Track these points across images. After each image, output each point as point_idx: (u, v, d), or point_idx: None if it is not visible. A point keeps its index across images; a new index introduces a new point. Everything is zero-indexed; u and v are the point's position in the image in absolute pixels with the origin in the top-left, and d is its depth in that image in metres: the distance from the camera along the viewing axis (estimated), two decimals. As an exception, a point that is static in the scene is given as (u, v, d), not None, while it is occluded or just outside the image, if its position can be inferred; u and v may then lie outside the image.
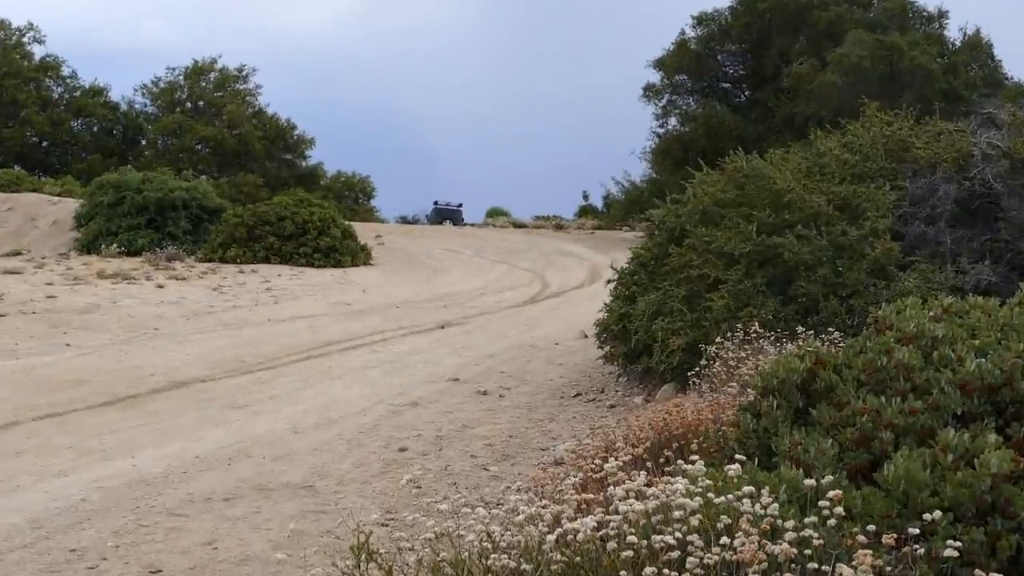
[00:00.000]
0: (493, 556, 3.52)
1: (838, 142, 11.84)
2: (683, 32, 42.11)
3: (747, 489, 3.36)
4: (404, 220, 60.83)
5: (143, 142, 55.02)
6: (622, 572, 3.17)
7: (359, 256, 30.57)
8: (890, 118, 12.09)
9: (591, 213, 56.70)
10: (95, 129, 54.77)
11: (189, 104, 55.46)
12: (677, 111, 42.71)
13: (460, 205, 55.74)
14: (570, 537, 3.44)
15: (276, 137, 56.29)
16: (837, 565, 3.03)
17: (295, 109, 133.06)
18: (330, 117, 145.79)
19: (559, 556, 3.40)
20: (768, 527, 3.19)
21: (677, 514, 3.33)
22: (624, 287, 11.77)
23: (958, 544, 3.18)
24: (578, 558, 3.40)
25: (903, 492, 3.52)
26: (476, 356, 14.23)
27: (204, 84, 55.33)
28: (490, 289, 25.11)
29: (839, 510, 3.24)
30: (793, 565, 3.08)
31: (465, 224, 53.10)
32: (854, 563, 3.00)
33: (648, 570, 3.12)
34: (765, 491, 3.37)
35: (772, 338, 8.11)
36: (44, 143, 53.90)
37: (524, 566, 3.44)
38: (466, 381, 12.13)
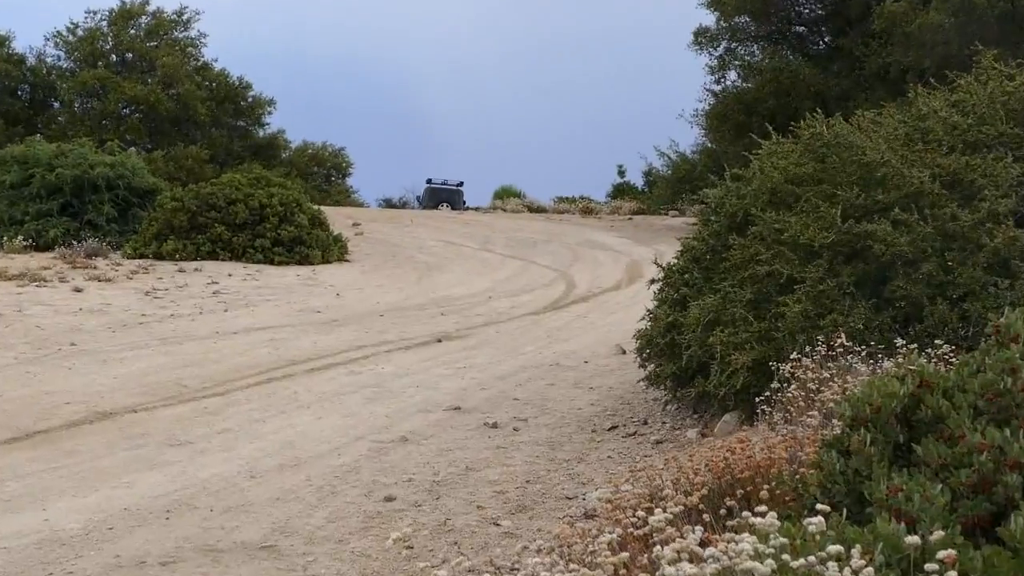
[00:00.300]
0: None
1: (945, 101, 11.80)
2: (745, -40, 42.13)
3: (833, 549, 3.34)
4: (389, 204, 61.00)
5: (56, 105, 55.26)
6: (673, 657, 3.16)
7: (331, 250, 30.66)
8: (1012, 70, 12.04)
9: (628, 193, 56.80)
10: (-6, 89, 55.11)
11: (114, 57, 55.67)
12: (738, 62, 42.72)
13: (460, 184, 55.90)
14: (606, 611, 3.43)
15: (225, 98, 56.50)
16: (951, 647, 3.01)
17: (250, 63, 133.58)
18: (294, 73, 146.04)
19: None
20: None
21: (743, 582, 3.31)
22: (672, 289, 11.75)
23: (1107, 619, 3.16)
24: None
25: (1035, 552, 3.50)
26: (483, 378, 14.24)
27: (133, 31, 55.51)
28: (500, 292, 25.13)
29: (953, 575, 3.22)
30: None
31: (467, 208, 53.22)
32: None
33: (707, 654, 3.11)
34: (856, 551, 3.36)
35: (863, 353, 8.09)
36: (-70, 108, 54.21)
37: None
38: (470, 410, 12.14)
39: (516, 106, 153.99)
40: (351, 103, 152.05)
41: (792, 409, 7.38)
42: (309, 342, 17.27)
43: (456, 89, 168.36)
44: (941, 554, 3.28)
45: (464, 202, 54.64)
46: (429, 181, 56.12)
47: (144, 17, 55.42)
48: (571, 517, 7.43)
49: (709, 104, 42.79)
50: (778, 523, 3.62)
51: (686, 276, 11.57)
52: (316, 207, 32.91)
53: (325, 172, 62.02)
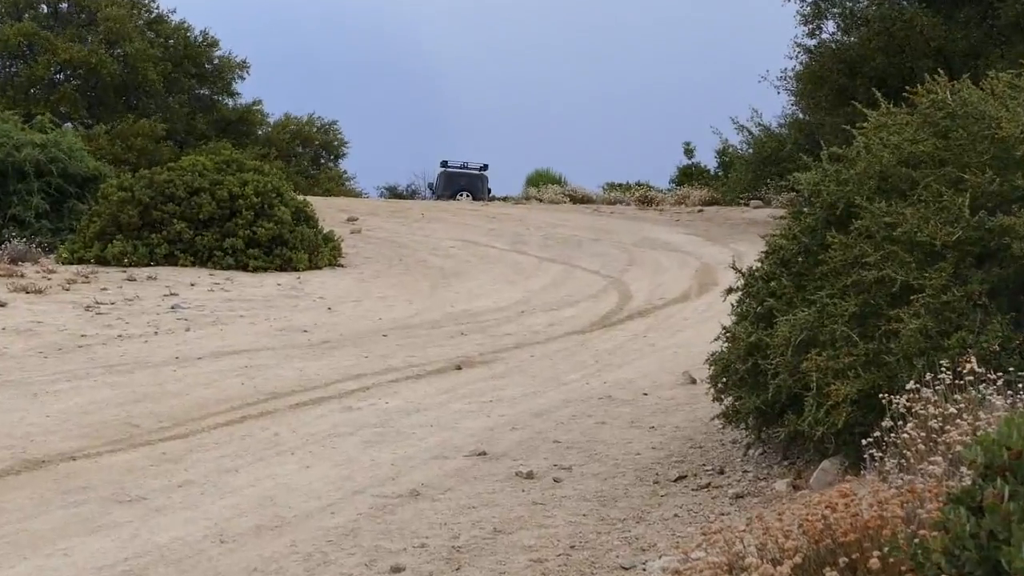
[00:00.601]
0: None
1: (1105, 58, 11.77)
2: None
3: (963, 634, 3.35)
4: (393, 193, 61.25)
5: (-30, 70, 55.66)
6: None
7: (321, 252, 30.78)
8: None
9: (698, 178, 56.85)
10: None
11: (45, 8, 55.99)
12: (837, 10, 42.59)
13: (484, 168, 56.08)
14: None
15: (184, 59, 56.74)
16: None
17: (216, 15, 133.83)
18: (273, 27, 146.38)
19: None
20: None
21: (848, 675, 3.33)
22: (755, 300, 11.73)
23: None
24: None
25: None
26: (514, 415, 14.26)
27: (69, -24, 55.86)
28: (535, 305, 25.16)
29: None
30: None
31: (492, 198, 53.34)
32: None
33: None
34: (992, 637, 3.37)
35: (1000, 382, 8.06)
36: None
37: None
38: (498, 456, 12.15)
39: (552, 67, 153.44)
40: (343, 66, 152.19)
41: (909, 454, 7.37)
42: (294, 370, 17.31)
43: (475, 46, 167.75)
44: (1100, 640, 3.29)
45: (489, 190, 54.77)
46: (444, 164, 56.25)
47: (82, -43, 55.76)
48: (628, 592, 7.44)
49: (801, 63, 42.66)
50: (892, 601, 3.63)
51: (772, 284, 11.55)
52: (301, 198, 33.05)
53: (312, 153, 62.29)
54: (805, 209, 11.74)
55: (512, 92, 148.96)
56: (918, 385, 8.24)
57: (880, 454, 7.92)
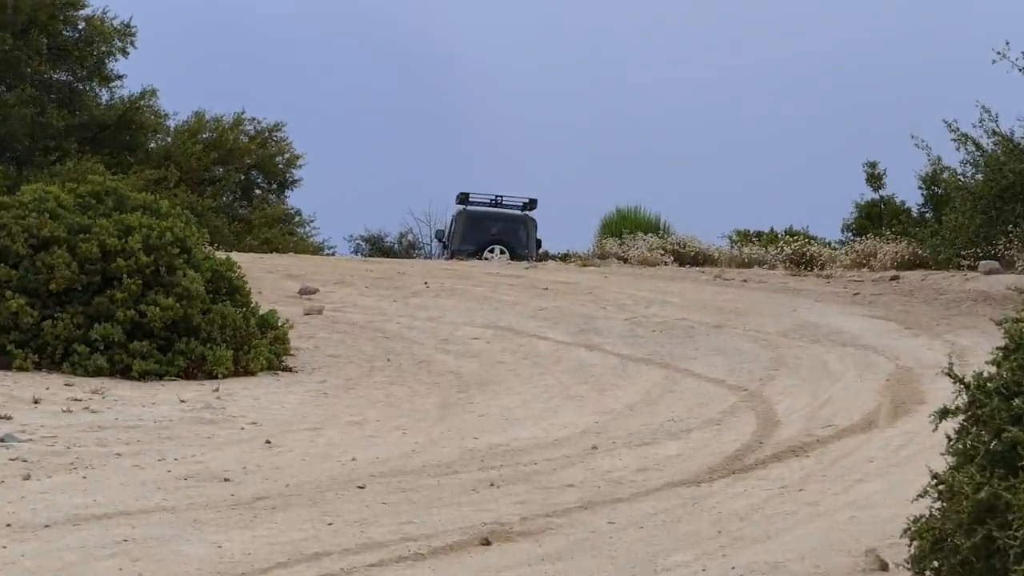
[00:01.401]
0: None
1: None
2: None
3: None
4: (377, 247, 61.63)
5: None
6: None
7: (256, 348, 30.75)
8: None
9: (890, 223, 56.88)
10: None
11: None
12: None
13: (528, 205, 56.07)
14: None
15: (31, 25, 57.13)
16: None
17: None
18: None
19: None
20: None
21: None
22: (988, 429, 11.69)
23: None
24: None
25: None
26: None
27: None
28: (616, 436, 25.13)
29: None
30: None
31: (544, 255, 53.48)
32: None
33: None
34: None
35: None
36: None
37: None
38: None
39: (636, 47, 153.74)
40: (296, 36, 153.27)
41: None
42: (207, 546, 17.21)
43: (515, 18, 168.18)
44: None
45: (538, 243, 54.91)
46: (464, 200, 56.31)
47: None
48: None
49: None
50: None
51: (1017, 402, 11.51)
52: (223, 255, 33.16)
53: (242, 178, 62.39)
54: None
55: (574, 89, 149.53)
56: None
57: None
